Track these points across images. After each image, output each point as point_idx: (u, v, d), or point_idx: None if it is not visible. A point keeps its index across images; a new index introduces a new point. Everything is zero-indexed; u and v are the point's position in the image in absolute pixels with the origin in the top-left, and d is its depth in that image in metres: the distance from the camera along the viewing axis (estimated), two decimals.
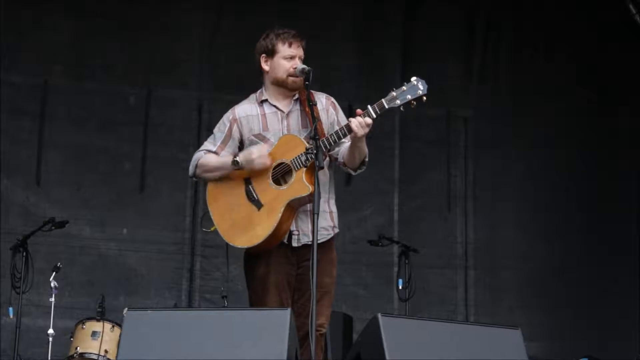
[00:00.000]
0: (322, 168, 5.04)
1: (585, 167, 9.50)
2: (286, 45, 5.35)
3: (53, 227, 7.84)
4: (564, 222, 9.46)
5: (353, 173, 5.40)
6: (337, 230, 5.42)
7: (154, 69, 9.42)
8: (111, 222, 9.10)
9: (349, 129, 5.11)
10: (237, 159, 5.26)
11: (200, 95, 9.44)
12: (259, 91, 5.48)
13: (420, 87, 5.14)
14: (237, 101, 5.56)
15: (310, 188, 5.08)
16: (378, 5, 9.77)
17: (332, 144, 5.16)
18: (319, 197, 4.93)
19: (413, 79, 5.15)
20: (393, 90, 5.15)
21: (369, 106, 5.12)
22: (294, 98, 5.39)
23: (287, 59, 5.34)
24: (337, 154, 5.36)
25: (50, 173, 9.09)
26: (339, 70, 9.38)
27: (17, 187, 9.00)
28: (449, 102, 9.67)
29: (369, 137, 5.17)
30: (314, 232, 4.86)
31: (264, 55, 5.41)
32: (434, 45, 9.73)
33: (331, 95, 5.58)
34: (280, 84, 5.37)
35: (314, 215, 4.88)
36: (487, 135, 9.75)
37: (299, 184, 5.15)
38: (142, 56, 9.37)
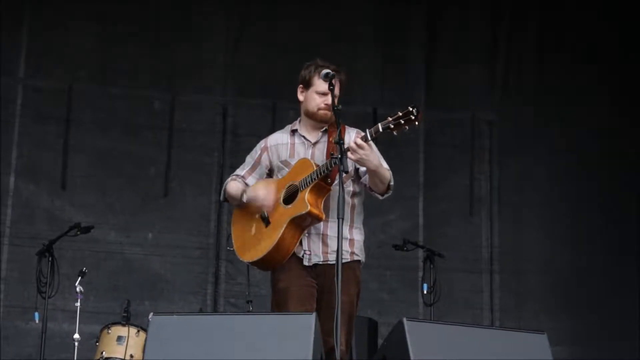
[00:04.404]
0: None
1: (610, 171, 9.42)
2: (322, 79, 5.32)
3: (78, 232, 7.84)
4: (589, 226, 9.37)
5: (380, 197, 5.45)
6: (357, 258, 5.42)
7: (178, 73, 9.45)
8: (136, 227, 9.13)
9: (347, 150, 5.12)
10: (244, 194, 5.42)
11: (225, 100, 9.44)
12: (295, 121, 5.58)
13: (414, 112, 5.02)
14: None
15: (308, 206, 5.19)
16: (401, 8, 9.74)
17: (333, 165, 5.11)
18: (343, 200, 4.90)
19: (409, 107, 5.06)
20: (390, 116, 5.09)
21: (367, 129, 5.15)
22: (322, 130, 5.45)
23: (319, 94, 5.40)
24: (365, 180, 5.42)
25: (76, 178, 9.12)
26: (363, 75, 9.34)
27: (42, 191, 9.05)
28: (473, 106, 9.65)
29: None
30: (338, 240, 4.84)
31: (301, 85, 5.48)
32: (458, 48, 9.70)
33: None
34: (310, 116, 5.46)
35: (339, 219, 4.87)
36: (511, 138, 9.68)
37: (300, 203, 5.25)
38: (166, 61, 9.42)
